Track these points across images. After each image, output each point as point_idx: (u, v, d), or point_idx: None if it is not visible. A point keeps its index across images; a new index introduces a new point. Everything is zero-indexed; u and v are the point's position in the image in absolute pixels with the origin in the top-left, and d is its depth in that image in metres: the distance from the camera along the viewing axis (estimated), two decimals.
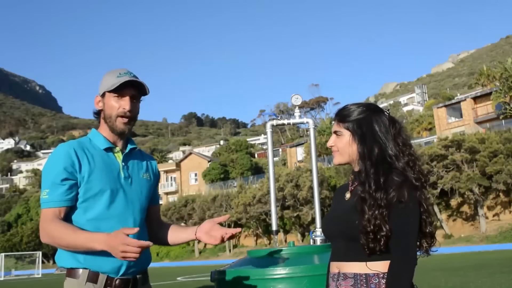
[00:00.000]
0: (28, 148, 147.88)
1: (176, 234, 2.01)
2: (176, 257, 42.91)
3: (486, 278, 10.39)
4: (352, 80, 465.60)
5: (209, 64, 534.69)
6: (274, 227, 3.99)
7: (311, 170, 4.42)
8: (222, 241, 1.89)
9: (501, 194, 28.71)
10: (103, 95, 1.89)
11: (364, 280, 1.55)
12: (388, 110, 1.75)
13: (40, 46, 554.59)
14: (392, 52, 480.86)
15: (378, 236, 1.51)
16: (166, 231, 2.03)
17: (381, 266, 1.54)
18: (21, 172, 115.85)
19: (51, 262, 51.34)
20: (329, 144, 1.73)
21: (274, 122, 4.20)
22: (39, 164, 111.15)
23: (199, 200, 41.25)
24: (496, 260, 15.41)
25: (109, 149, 1.89)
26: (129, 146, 1.96)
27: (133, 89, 1.88)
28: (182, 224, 39.80)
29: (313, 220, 29.44)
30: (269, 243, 36.45)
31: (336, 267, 1.65)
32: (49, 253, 50.67)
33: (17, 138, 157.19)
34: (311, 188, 28.90)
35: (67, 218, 1.78)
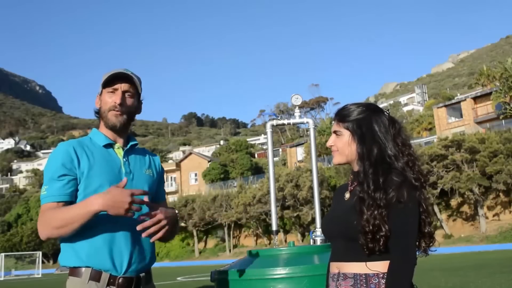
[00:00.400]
0: (28, 148, 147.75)
1: None
2: (176, 257, 42.88)
3: (486, 278, 10.39)
4: (352, 80, 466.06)
5: (209, 64, 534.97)
6: (274, 227, 3.99)
7: (311, 170, 4.42)
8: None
9: (501, 194, 28.69)
10: (101, 94, 1.91)
11: (364, 280, 1.55)
12: (388, 110, 1.75)
13: (40, 46, 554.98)
14: (392, 52, 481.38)
15: (377, 236, 1.51)
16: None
17: (381, 266, 1.54)
18: (21, 172, 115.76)
19: (51, 262, 51.32)
20: (328, 144, 1.73)
21: (274, 122, 4.21)
22: (39, 164, 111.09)
23: (199, 200, 41.22)
24: (496, 260, 15.40)
25: (109, 146, 1.90)
26: (130, 143, 1.96)
27: (126, 84, 1.89)
28: (182, 224, 39.80)
29: (313, 220, 29.43)
30: (269, 243, 36.42)
31: (336, 267, 1.65)
32: (49, 253, 50.65)
33: (17, 138, 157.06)
34: (311, 188, 28.89)
35: None
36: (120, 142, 1.93)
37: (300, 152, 49.91)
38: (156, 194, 2.02)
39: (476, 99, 41.16)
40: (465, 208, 30.34)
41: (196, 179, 57.87)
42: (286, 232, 36.44)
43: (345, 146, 1.68)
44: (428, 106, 60.09)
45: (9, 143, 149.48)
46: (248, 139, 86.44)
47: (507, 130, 29.95)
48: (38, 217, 1.77)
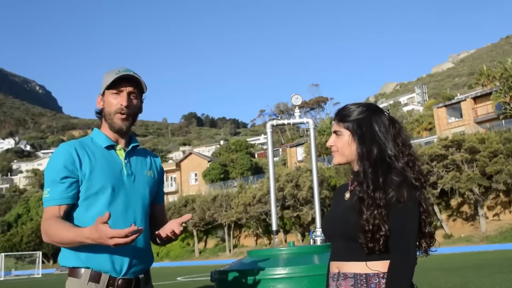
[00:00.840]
0: (28, 148, 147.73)
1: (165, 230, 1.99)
2: (176, 257, 42.88)
3: (486, 278, 10.39)
4: (352, 80, 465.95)
5: (209, 64, 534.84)
6: (274, 227, 3.99)
7: (311, 170, 4.42)
8: (170, 238, 1.90)
9: (501, 194, 28.69)
10: (103, 94, 1.89)
11: (364, 280, 1.55)
12: (388, 110, 1.75)
13: (40, 46, 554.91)
14: (392, 52, 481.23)
15: (377, 236, 1.51)
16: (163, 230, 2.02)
17: (381, 266, 1.54)
18: (21, 172, 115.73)
19: (51, 262, 51.32)
20: (328, 143, 1.73)
21: (274, 122, 4.21)
22: (39, 164, 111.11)
23: (199, 200, 41.22)
24: (496, 260, 15.40)
25: (111, 147, 1.89)
26: (132, 144, 1.95)
27: (131, 85, 1.87)
28: (183, 224, 39.69)
29: (313, 220, 29.43)
30: (269, 243, 36.43)
31: (336, 267, 1.65)
32: (49, 253, 50.64)
33: (17, 138, 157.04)
34: (311, 188, 28.89)
35: (69, 216, 1.78)
36: (122, 143, 1.93)
37: (300, 152, 49.92)
38: (156, 195, 2.02)
39: (476, 99, 41.16)
40: (465, 208, 30.34)
41: (196, 179, 57.87)
42: (286, 232, 36.44)
43: (345, 146, 1.68)
44: (428, 106, 60.10)
45: (9, 143, 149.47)
46: (248, 139, 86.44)
47: (507, 130, 29.95)
48: (42, 219, 1.77)
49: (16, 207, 65.42)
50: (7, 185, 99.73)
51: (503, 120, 37.10)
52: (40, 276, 37.14)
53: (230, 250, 39.73)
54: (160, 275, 21.33)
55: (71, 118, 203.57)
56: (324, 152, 39.96)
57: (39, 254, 42.39)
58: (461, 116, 41.43)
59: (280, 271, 2.46)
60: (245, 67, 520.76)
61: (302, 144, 50.30)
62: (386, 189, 1.54)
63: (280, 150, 62.40)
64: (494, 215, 29.06)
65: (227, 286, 2.59)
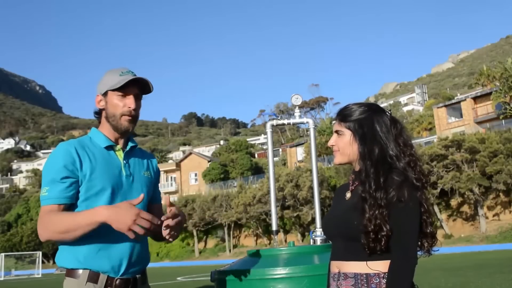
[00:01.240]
0: (28, 148, 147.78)
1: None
2: (176, 257, 42.88)
3: (486, 278, 10.38)
4: (352, 80, 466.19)
5: (209, 64, 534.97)
6: (274, 227, 3.99)
7: (311, 170, 4.42)
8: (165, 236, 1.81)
9: (501, 194, 28.68)
10: (104, 94, 1.88)
11: (365, 280, 1.55)
12: (390, 110, 1.75)
13: (40, 46, 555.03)
14: (392, 52, 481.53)
15: (379, 236, 1.51)
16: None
17: (382, 266, 1.54)
18: (21, 172, 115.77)
19: (51, 262, 51.30)
20: (330, 143, 1.73)
21: (274, 122, 4.20)
22: (39, 164, 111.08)
23: (199, 200, 41.22)
24: (496, 260, 15.40)
25: (110, 148, 1.89)
26: (130, 144, 1.95)
27: (136, 87, 1.88)
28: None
29: (313, 220, 29.43)
30: (269, 243, 36.43)
31: (337, 266, 1.65)
32: (49, 253, 50.64)
33: (17, 138, 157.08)
34: (311, 188, 28.89)
35: None
36: (120, 143, 1.93)
37: (300, 152, 49.91)
38: (153, 195, 2.03)
39: (476, 99, 41.16)
40: (465, 208, 30.34)
41: (196, 179, 57.87)
42: (286, 232, 36.43)
43: (346, 146, 1.68)
44: (428, 106, 60.10)
45: (9, 143, 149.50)
46: (248, 139, 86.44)
47: (507, 130, 29.94)
48: (38, 218, 1.75)
49: (16, 207, 65.43)
50: (7, 185, 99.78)
51: (503, 120, 37.10)
52: (40, 276, 37.13)
53: (230, 250, 39.72)
54: (160, 275, 21.33)
55: (71, 118, 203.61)
56: (324, 152, 39.97)
57: (39, 254, 42.39)
58: (461, 116, 41.42)
59: (280, 271, 2.45)
60: (245, 67, 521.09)
61: (302, 144, 50.30)
62: (387, 189, 1.54)
63: (280, 150, 62.41)
64: (494, 215, 29.06)
65: (227, 286, 2.59)
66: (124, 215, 1.59)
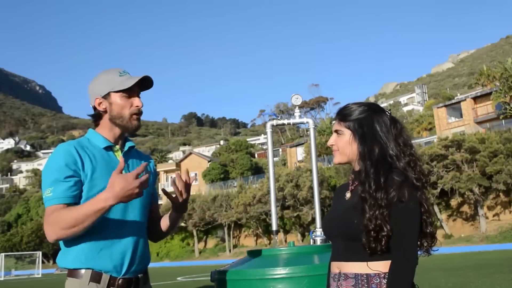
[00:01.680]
0: (28, 148, 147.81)
1: (165, 220, 2.00)
2: (176, 257, 42.89)
3: (486, 278, 10.39)
4: (352, 80, 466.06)
5: (209, 64, 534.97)
6: (274, 227, 3.99)
7: (311, 170, 4.42)
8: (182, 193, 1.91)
9: (501, 194, 28.69)
10: (105, 96, 1.87)
11: (365, 280, 1.55)
12: (390, 110, 1.75)
13: (40, 46, 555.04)
14: (392, 52, 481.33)
15: (379, 236, 1.50)
16: (161, 223, 2.03)
17: (382, 266, 1.54)
18: (21, 172, 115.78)
19: (51, 262, 51.29)
20: (329, 143, 1.73)
21: (274, 122, 4.20)
22: (39, 164, 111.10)
23: (199, 200, 41.21)
24: (496, 260, 15.40)
25: (109, 148, 1.89)
26: (128, 145, 1.95)
27: (136, 85, 1.89)
28: (182, 224, 39.78)
29: (313, 220, 29.43)
30: (269, 243, 36.43)
31: (337, 267, 1.65)
32: (49, 253, 50.64)
33: (17, 138, 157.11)
34: (311, 188, 28.89)
35: None
36: (119, 144, 1.93)
37: (300, 152, 49.91)
38: (151, 195, 2.03)
39: (476, 99, 41.16)
40: (465, 208, 30.35)
41: (196, 179, 57.72)
42: (286, 232, 36.44)
43: (346, 146, 1.68)
44: (428, 106, 60.11)
45: (9, 143, 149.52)
46: (248, 139, 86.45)
47: (507, 130, 29.95)
48: (44, 219, 1.73)
49: (16, 207, 65.45)
50: (7, 185, 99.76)
51: (503, 120, 37.10)
52: (40, 276, 37.15)
53: (230, 250, 39.73)
54: (160, 275, 21.33)
55: (71, 118, 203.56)
56: (324, 152, 39.96)
57: (39, 254, 42.40)
58: (461, 116, 41.42)
59: (280, 271, 2.45)
60: (245, 67, 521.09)
61: (302, 144, 50.29)
62: (388, 189, 1.54)
63: (280, 150, 62.40)
64: (494, 215, 29.06)
65: (227, 286, 2.59)
66: (128, 188, 1.60)
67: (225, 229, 39.65)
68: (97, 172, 1.79)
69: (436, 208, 28.69)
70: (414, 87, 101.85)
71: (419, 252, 1.60)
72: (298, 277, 2.44)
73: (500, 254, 18.74)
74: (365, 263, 1.55)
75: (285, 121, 4.42)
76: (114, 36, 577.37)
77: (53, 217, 1.68)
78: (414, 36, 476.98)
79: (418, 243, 1.58)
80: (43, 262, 45.85)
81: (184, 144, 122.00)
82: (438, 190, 28.02)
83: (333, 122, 1.76)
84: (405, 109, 77.17)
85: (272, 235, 4.05)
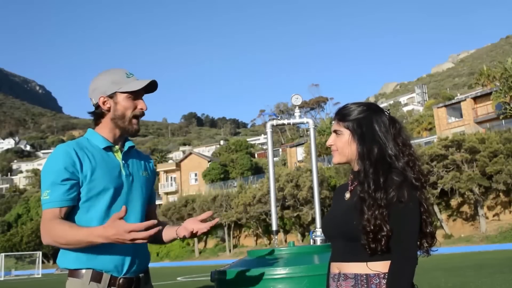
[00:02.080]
0: (28, 148, 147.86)
1: (167, 232, 1.98)
2: (176, 257, 42.89)
3: (486, 278, 10.39)
4: (352, 80, 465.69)
5: (209, 64, 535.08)
6: (274, 227, 3.99)
7: (311, 170, 4.42)
8: (194, 235, 1.87)
9: (501, 194, 28.69)
10: (111, 95, 1.87)
11: (365, 281, 1.55)
12: (388, 110, 1.75)
13: (40, 46, 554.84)
14: (392, 52, 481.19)
15: (379, 236, 1.50)
16: (162, 230, 2.01)
17: (382, 266, 1.54)
18: (21, 172, 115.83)
19: (51, 262, 51.31)
20: (328, 143, 1.73)
21: (274, 122, 4.20)
22: (39, 164, 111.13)
23: (199, 200, 41.22)
24: (496, 260, 15.40)
25: (108, 148, 1.89)
26: (127, 145, 1.95)
27: (143, 89, 1.91)
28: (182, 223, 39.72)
29: (313, 220, 29.42)
30: (269, 243, 36.43)
31: (336, 267, 1.65)
32: (49, 253, 50.66)
33: (17, 138, 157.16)
34: (311, 188, 28.89)
35: (69, 218, 1.77)
36: (119, 144, 1.93)
37: (300, 152, 49.92)
38: (150, 196, 2.03)
39: (476, 99, 41.16)
40: (465, 208, 30.35)
41: (196, 179, 57.87)
42: (286, 232, 36.44)
43: (345, 146, 1.68)
44: (428, 106, 60.12)
45: (9, 143, 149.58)
46: (248, 139, 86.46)
47: (507, 130, 29.95)
48: (41, 222, 1.75)
49: (16, 207, 65.48)
50: (7, 185, 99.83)
51: (503, 120, 37.10)
52: (40, 276, 37.15)
53: (230, 250, 39.73)
54: (160, 275, 21.33)
55: (71, 118, 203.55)
56: (324, 152, 39.96)
57: (39, 254, 42.40)
58: (461, 116, 41.43)
59: (280, 271, 2.45)
60: (245, 67, 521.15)
61: (302, 144, 50.30)
62: (387, 189, 1.54)
63: (280, 150, 62.41)
64: (494, 215, 29.06)
65: (227, 286, 2.59)
66: (120, 237, 1.57)
67: (225, 229, 39.65)
68: (96, 173, 1.79)
69: (436, 208, 28.69)
70: (414, 87, 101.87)
71: (419, 252, 1.60)
72: (298, 277, 2.44)
73: (500, 254, 18.74)
74: (365, 263, 1.55)
75: (285, 121, 4.42)
76: (114, 36, 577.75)
77: (49, 227, 1.70)
78: (414, 36, 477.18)
79: (418, 243, 1.58)
80: (43, 262, 45.85)
81: (184, 144, 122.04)
82: (438, 190, 28.02)
83: (333, 122, 1.76)
84: (405, 109, 77.18)
85: (272, 235, 4.05)
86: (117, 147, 1.91)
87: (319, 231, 3.94)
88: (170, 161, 69.41)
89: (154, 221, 1.59)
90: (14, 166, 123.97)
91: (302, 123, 4.37)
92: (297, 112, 4.44)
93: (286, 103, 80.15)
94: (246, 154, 59.74)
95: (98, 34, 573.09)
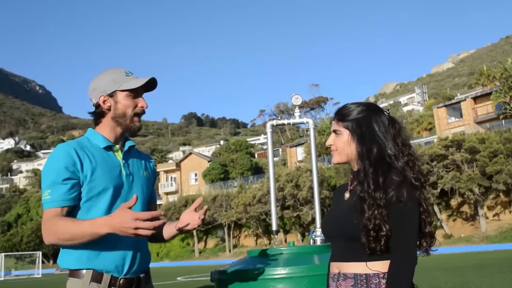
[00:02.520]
0: (28, 148, 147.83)
1: (167, 229, 1.99)
2: (176, 257, 42.89)
3: (486, 278, 10.39)
4: (352, 80, 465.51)
5: (209, 64, 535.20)
6: (274, 227, 3.99)
7: (311, 170, 4.42)
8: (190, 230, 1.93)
9: (501, 194, 28.69)
10: (111, 94, 1.87)
11: (365, 281, 1.55)
12: (388, 110, 1.75)
13: (40, 46, 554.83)
14: (392, 52, 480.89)
15: (379, 236, 1.50)
16: (163, 226, 2.02)
17: (381, 266, 1.54)
18: (21, 172, 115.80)
19: (51, 262, 51.32)
20: (328, 143, 1.73)
21: (274, 122, 4.20)
22: (39, 164, 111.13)
23: None
24: (496, 260, 15.40)
25: (109, 148, 1.88)
26: (128, 144, 1.95)
27: (142, 87, 1.91)
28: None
29: (313, 220, 29.43)
30: (269, 243, 36.43)
31: (336, 267, 1.65)
32: (49, 253, 50.66)
33: (17, 138, 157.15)
34: (311, 188, 28.89)
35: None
36: (119, 143, 1.93)
37: (300, 152, 49.92)
38: (150, 195, 2.03)
39: (476, 99, 41.16)
40: (465, 208, 30.35)
41: (196, 179, 57.87)
42: (286, 232, 36.44)
43: (344, 146, 1.68)
44: (428, 106, 60.11)
45: (9, 143, 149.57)
46: (248, 139, 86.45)
47: (507, 130, 29.95)
48: (42, 222, 1.74)
49: (16, 207, 65.47)
50: (7, 185, 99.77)
51: (503, 120, 37.10)
52: (40, 276, 37.15)
53: (230, 250, 39.73)
54: (160, 275, 21.34)
55: (71, 118, 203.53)
56: (324, 152, 39.97)
57: (39, 254, 42.40)
58: (461, 116, 41.43)
59: (280, 271, 2.45)
60: (245, 67, 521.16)
61: (302, 144, 50.30)
62: (387, 189, 1.54)
63: (280, 150, 62.41)
64: (494, 215, 29.07)
65: (227, 286, 2.59)
66: (125, 225, 1.58)
67: (225, 229, 39.65)
68: (97, 173, 1.78)
69: (436, 208, 28.69)
70: (414, 87, 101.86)
71: (418, 252, 1.60)
72: (298, 277, 2.44)
73: (500, 254, 18.74)
74: (364, 263, 1.55)
75: (285, 121, 4.41)
76: (114, 36, 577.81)
77: (51, 224, 1.69)
78: (414, 36, 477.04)
79: (417, 243, 1.59)
80: (43, 262, 45.85)
81: (184, 144, 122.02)
82: (438, 190, 28.02)
83: (332, 122, 1.76)
84: (405, 109, 77.17)
85: (272, 235, 4.05)
86: (117, 146, 1.91)
87: (319, 231, 3.93)
88: (170, 161, 69.41)
89: (160, 212, 1.61)
90: (14, 166, 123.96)
91: (302, 123, 4.36)
92: (297, 112, 4.44)
93: (286, 103, 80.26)
94: (246, 154, 59.74)
95: (98, 34, 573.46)
